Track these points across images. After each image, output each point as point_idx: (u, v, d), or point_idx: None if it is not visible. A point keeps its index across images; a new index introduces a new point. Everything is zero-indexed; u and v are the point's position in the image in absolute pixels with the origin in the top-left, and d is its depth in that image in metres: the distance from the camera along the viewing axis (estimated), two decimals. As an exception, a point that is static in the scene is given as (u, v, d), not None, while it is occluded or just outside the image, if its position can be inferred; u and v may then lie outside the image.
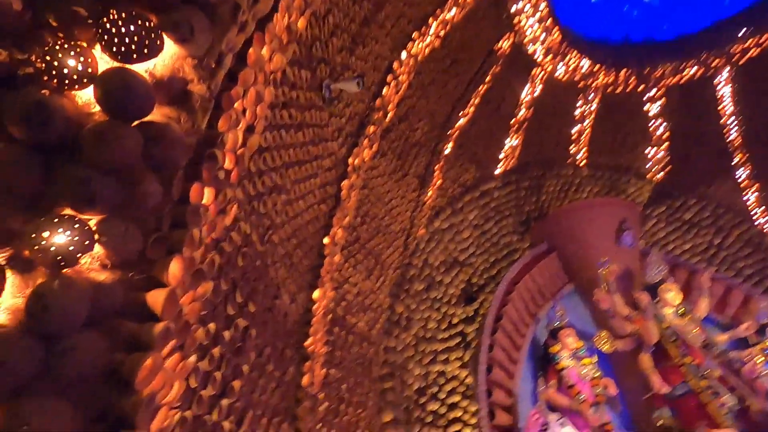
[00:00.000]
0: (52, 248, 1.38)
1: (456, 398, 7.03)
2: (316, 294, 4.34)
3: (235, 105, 2.31)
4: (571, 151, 9.51)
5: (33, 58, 1.44)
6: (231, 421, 2.57)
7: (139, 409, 1.41)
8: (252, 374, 2.96)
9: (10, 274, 1.38)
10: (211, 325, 2.32)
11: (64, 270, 1.43)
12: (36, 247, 1.37)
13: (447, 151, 7.82)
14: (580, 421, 5.46)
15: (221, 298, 2.47)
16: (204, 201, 2.03)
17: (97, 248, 1.52)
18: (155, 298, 1.59)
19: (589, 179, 9.60)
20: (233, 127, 2.28)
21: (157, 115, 1.66)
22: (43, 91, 1.44)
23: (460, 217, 8.31)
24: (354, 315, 5.40)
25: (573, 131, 9.35)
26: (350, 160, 5.15)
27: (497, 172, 8.97)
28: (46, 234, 1.38)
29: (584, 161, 9.60)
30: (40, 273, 1.40)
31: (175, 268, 1.68)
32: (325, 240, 4.66)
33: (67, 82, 1.46)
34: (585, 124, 9.32)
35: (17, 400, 1.23)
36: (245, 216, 2.79)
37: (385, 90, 5.59)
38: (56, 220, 1.41)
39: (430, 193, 7.74)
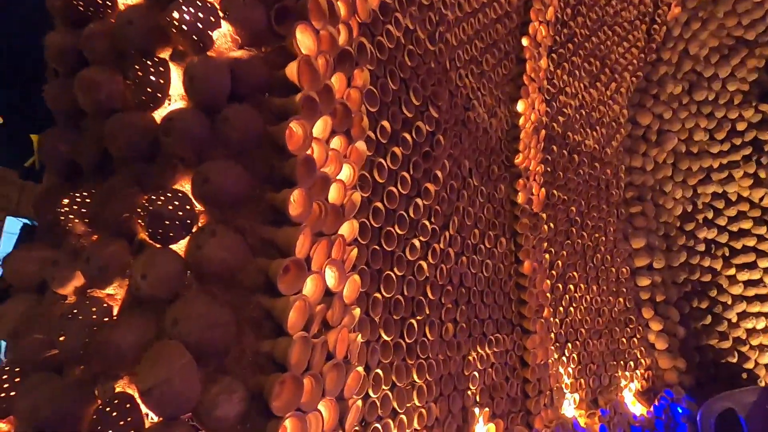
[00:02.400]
0: (184, 27, 1.41)
1: (745, 224, 5.42)
2: (520, 106, 3.76)
3: None
4: None
5: None
6: (432, 222, 2.59)
7: (296, 169, 1.43)
8: (451, 183, 2.86)
9: (173, 66, 1.52)
10: (385, 123, 2.22)
11: (206, 51, 1.47)
12: (174, 31, 1.43)
13: None
14: None
15: (392, 98, 2.31)
16: (329, -30, 1.77)
17: (226, 27, 1.50)
18: (291, 70, 1.52)
19: None
20: None
21: None
22: None
23: (746, -29, 5.45)
24: (578, 132, 4.55)
25: None
26: (543, -72, 3.87)
27: None
28: (176, 15, 1.41)
29: None
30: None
31: (302, 36, 1.55)
32: (524, 41, 3.84)
33: None
34: None
35: (200, 165, 1.40)
36: (402, 6, 2.42)
37: None
38: (180, 1, 1.42)
39: (685, -51, 5.30)
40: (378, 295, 2.10)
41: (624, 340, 4.65)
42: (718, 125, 5.53)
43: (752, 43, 5.57)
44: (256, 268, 1.41)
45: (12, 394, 1.44)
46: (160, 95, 1.48)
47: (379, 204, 2.15)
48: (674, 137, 5.45)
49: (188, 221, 1.36)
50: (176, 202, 1.35)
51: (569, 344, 4.04)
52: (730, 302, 5.31)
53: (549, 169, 4.15)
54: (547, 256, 3.97)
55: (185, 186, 1.44)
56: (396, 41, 2.37)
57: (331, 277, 1.64)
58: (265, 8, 1.52)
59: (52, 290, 1.54)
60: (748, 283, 5.32)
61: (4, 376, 1.47)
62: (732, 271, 5.36)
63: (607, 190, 4.88)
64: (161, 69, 1.48)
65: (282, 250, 1.42)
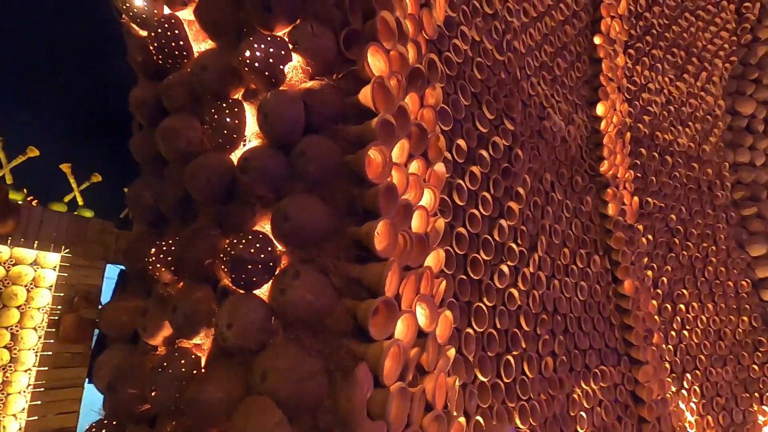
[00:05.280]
0: (256, 64, 1.38)
1: None
2: (599, 109, 3.43)
3: None
4: None
5: None
6: (518, 244, 2.35)
7: (379, 199, 1.31)
8: (534, 199, 2.60)
9: (247, 106, 1.49)
10: (461, 141, 2.06)
11: (278, 86, 1.43)
12: (246, 69, 1.41)
13: None
14: None
15: (465, 114, 2.16)
16: (393, -11, 1.69)
17: (297, 58, 1.45)
18: (365, 95, 1.43)
19: None
20: None
21: None
22: None
23: None
24: (667, 130, 4.07)
25: None
26: None
27: None
28: (248, 54, 1.39)
29: None
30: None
31: (373, 58, 1.46)
32: (596, 39, 3.54)
33: None
34: None
35: (278, 202, 1.33)
36: (466, 18, 2.30)
37: None
38: (251, 38, 1.40)
39: None
40: (470, 330, 1.89)
41: (755, 366, 3.93)
42: (842, 105, 4.70)
43: None
44: (344, 310, 1.28)
45: (110, 449, 1.42)
46: (235, 136, 1.45)
47: (461, 229, 1.97)
48: (787, 125, 4.70)
49: (270, 264, 1.28)
50: (257, 245, 1.28)
51: (688, 374, 3.47)
52: None
53: (639, 174, 3.72)
54: (649, 272, 3.50)
55: (265, 226, 1.37)
56: (464, 55, 2.24)
57: (422, 315, 1.47)
58: (334, 34, 1.46)
59: (143, 341, 1.53)
60: None
61: (103, 430, 1.46)
62: None
63: (711, 192, 4.28)
64: (236, 109, 1.46)
65: (370, 288, 1.29)
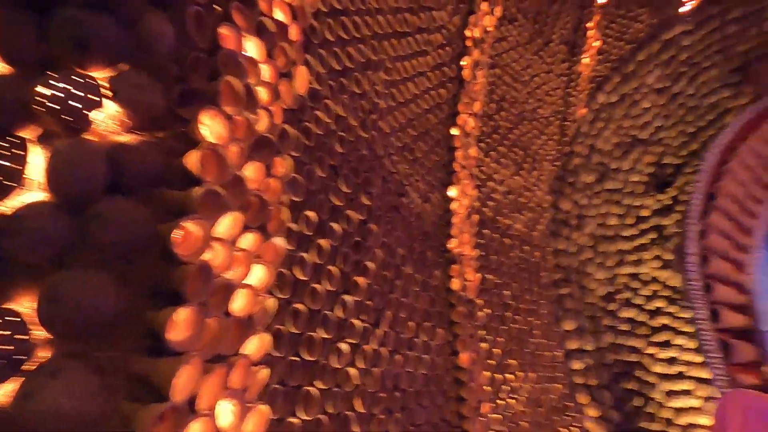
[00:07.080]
0: (54, 105, 1.15)
1: (659, 303, 5.70)
2: (452, 192, 3.80)
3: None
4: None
5: None
6: (363, 320, 2.33)
7: (187, 281, 1.14)
8: (384, 273, 2.66)
9: (42, 150, 1.22)
10: (311, 213, 2.02)
11: (81, 133, 1.20)
12: (41, 108, 1.16)
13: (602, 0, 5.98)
14: None
15: (320, 186, 2.14)
16: (252, 54, 1.64)
17: (115, 108, 1.26)
18: (192, 159, 1.29)
19: None
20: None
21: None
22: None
23: (634, 83, 6.30)
24: (507, 216, 4.69)
25: None
26: (468, 33, 4.23)
27: (684, 9, 6.53)
28: (45, 90, 1.15)
29: None
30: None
31: (211, 121, 1.34)
32: (454, 131, 3.99)
33: None
34: None
35: (55, 274, 1.06)
36: (333, 93, 2.36)
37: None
38: (54, 74, 1.17)
39: (586, 61, 6.13)
40: (294, 419, 1.73)
41: (565, 430, 4.47)
42: (627, 212, 6.03)
43: (645, 142, 6.36)
44: (121, 418, 1.04)
45: None
46: (10, 183, 1.16)
47: (300, 305, 1.87)
48: (592, 222, 5.89)
49: (16, 357, 0.99)
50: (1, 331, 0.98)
51: (511, 443, 3.77)
52: (655, 381, 5.43)
53: (483, 253, 4.16)
54: (484, 344, 3.81)
55: (24, 304, 1.08)
56: (325, 127, 2.26)
57: (230, 412, 1.29)
58: (166, 90, 1.31)
59: None
60: (671, 362, 5.53)
61: None
62: (654, 350, 5.56)
63: (537, 272, 4.99)
64: (17, 151, 1.18)
65: (159, 389, 1.08)
